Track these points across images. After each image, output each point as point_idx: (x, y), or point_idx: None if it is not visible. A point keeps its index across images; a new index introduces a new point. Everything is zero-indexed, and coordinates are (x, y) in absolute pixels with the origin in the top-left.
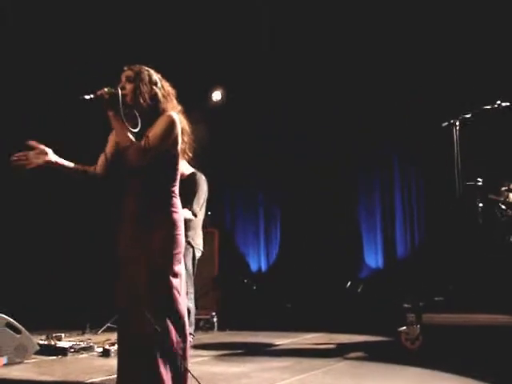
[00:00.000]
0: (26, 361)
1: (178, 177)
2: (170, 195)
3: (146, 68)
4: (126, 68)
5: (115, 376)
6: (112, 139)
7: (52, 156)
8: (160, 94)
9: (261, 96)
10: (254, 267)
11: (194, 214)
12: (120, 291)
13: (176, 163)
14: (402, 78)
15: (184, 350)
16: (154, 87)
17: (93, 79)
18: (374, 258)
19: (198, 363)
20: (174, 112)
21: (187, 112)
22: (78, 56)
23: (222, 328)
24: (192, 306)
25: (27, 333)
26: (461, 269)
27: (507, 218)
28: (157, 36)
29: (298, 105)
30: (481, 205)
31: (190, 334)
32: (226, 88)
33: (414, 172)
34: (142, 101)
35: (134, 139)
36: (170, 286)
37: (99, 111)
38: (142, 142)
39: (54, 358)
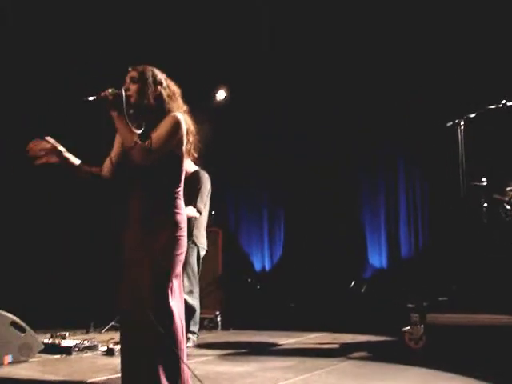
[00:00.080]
0: (30, 359)
1: (183, 178)
2: (173, 196)
3: (151, 68)
4: (130, 69)
5: (119, 375)
6: (118, 142)
7: (66, 154)
8: (165, 94)
9: (261, 96)
10: (257, 267)
11: (199, 211)
12: (123, 293)
13: (180, 164)
14: (406, 78)
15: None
16: (159, 87)
17: (97, 80)
18: (377, 258)
19: (203, 362)
20: (180, 112)
21: (192, 112)
22: (81, 57)
23: (225, 327)
24: (197, 304)
25: (32, 331)
26: (464, 269)
27: None
28: (156, 36)
29: (298, 105)
30: (485, 205)
31: (194, 333)
32: (226, 88)
33: (419, 173)
34: (146, 101)
35: (138, 140)
36: (171, 288)
37: (103, 112)
38: (146, 143)
39: (59, 356)
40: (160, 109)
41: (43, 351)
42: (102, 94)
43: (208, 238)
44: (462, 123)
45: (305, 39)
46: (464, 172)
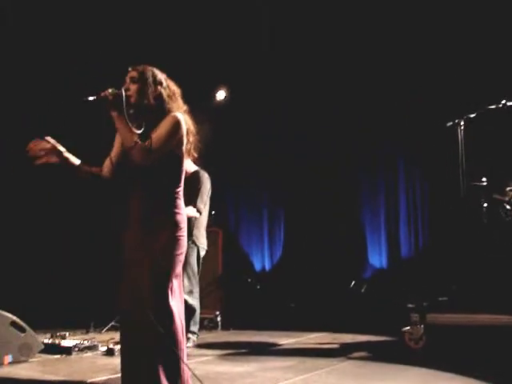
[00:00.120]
0: (30, 359)
1: (183, 178)
2: (173, 196)
3: (151, 68)
4: (130, 69)
5: (119, 375)
6: (118, 142)
7: (66, 154)
8: (165, 94)
9: (261, 96)
10: (257, 267)
11: (199, 211)
12: (123, 293)
13: (180, 164)
14: (406, 78)
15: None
16: (159, 87)
17: (97, 80)
18: (377, 258)
19: (203, 362)
20: (180, 112)
21: (192, 112)
22: (81, 57)
23: (225, 327)
24: (197, 304)
25: (32, 331)
26: (464, 269)
27: None
28: (156, 36)
29: (298, 105)
30: (485, 205)
31: (194, 332)
32: (226, 88)
33: (419, 173)
34: (146, 101)
35: (138, 140)
36: (171, 288)
37: (103, 112)
38: (146, 143)
39: (59, 356)
40: (160, 109)
41: (43, 351)
42: (102, 94)
43: (208, 237)
44: (462, 123)
45: (305, 39)
46: (464, 172)
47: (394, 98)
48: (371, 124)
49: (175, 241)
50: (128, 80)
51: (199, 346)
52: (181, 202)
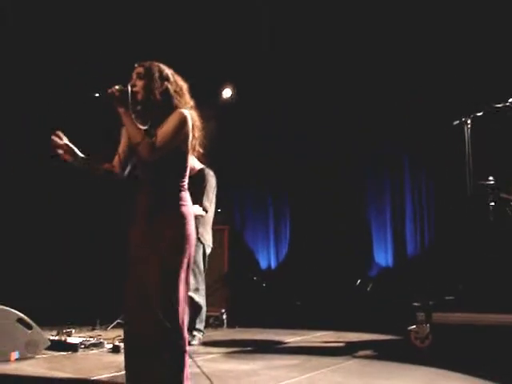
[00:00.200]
0: (36, 356)
1: (188, 172)
2: (178, 189)
3: (157, 64)
4: (136, 65)
5: (124, 372)
6: (124, 138)
7: (77, 152)
8: (171, 90)
9: (263, 96)
10: (263, 265)
11: (205, 210)
12: (128, 290)
13: (186, 159)
14: (413, 77)
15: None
16: (166, 82)
17: (103, 78)
18: (383, 257)
19: (208, 360)
20: (186, 108)
21: (198, 108)
22: (83, 56)
23: (231, 325)
24: (203, 302)
25: (38, 328)
26: (471, 268)
27: None
28: (156, 36)
29: (306, 104)
30: (492, 204)
31: (200, 330)
32: (231, 86)
33: (425, 171)
34: (153, 97)
35: (145, 135)
36: (179, 283)
37: (110, 109)
38: (154, 139)
39: (65, 353)
40: (167, 104)
41: (49, 348)
42: (109, 91)
43: (214, 235)
44: (469, 122)
45: (305, 39)
46: (471, 171)
47: (399, 97)
48: (378, 123)
49: (183, 233)
50: (134, 76)
51: (205, 343)
52: (186, 194)
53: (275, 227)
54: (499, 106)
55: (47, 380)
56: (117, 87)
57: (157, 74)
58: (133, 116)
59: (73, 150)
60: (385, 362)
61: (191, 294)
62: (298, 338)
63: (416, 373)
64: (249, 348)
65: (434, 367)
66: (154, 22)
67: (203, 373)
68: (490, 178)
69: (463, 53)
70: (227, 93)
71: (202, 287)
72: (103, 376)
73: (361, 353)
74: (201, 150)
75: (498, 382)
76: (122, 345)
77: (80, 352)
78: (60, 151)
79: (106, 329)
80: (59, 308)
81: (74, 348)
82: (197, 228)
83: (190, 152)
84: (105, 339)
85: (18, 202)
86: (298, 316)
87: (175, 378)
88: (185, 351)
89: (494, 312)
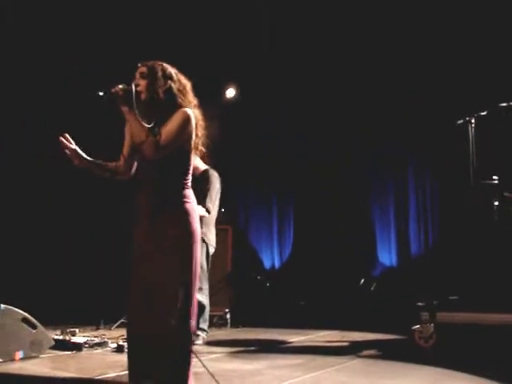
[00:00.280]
0: (41, 355)
1: (191, 170)
2: (182, 187)
3: (160, 63)
4: (139, 64)
5: (128, 372)
6: (128, 137)
7: (82, 154)
8: (175, 88)
9: (261, 96)
10: (267, 264)
11: (208, 211)
12: (132, 290)
13: (189, 158)
14: (416, 76)
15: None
16: (169, 81)
17: (107, 78)
18: (387, 256)
19: (212, 360)
20: (190, 106)
21: (201, 107)
22: (84, 56)
23: (235, 325)
24: (206, 302)
25: (43, 328)
26: (475, 267)
27: None
28: (156, 36)
29: (312, 104)
30: (496, 203)
31: (204, 330)
32: (235, 86)
33: (429, 171)
34: (156, 96)
35: (149, 134)
36: (184, 282)
37: (114, 108)
38: (157, 137)
39: (69, 353)
40: (170, 103)
41: (54, 347)
42: (113, 90)
43: (217, 235)
44: (473, 121)
45: (305, 39)
46: (475, 170)
47: (404, 96)
48: (382, 123)
49: (187, 232)
50: (138, 75)
51: (209, 343)
52: (190, 192)
53: (279, 227)
54: (503, 105)
55: (51, 379)
56: (120, 86)
57: (160, 73)
58: (137, 114)
59: (79, 153)
60: (389, 361)
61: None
62: (302, 338)
63: (421, 372)
64: (253, 347)
65: (439, 367)
66: (157, 21)
67: (209, 373)
68: (494, 177)
69: (467, 52)
70: (231, 92)
71: (206, 287)
72: (107, 375)
73: (365, 352)
74: (204, 150)
75: (504, 382)
76: (126, 344)
77: (84, 351)
78: (67, 152)
79: (110, 328)
80: (64, 307)
81: (78, 347)
82: (200, 228)
83: (193, 151)
84: (109, 339)
85: (18, 202)
86: (302, 315)
87: (179, 377)
88: (190, 351)
89: (499, 311)
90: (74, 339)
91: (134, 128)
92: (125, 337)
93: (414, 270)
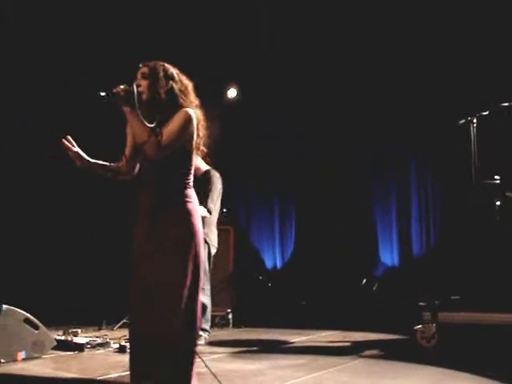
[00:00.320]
0: (43, 356)
1: (192, 170)
2: (184, 187)
3: (162, 63)
4: (141, 65)
5: (130, 372)
6: (129, 138)
7: (84, 155)
8: (176, 89)
9: (261, 96)
10: (269, 264)
11: (209, 212)
12: (133, 290)
13: (190, 158)
14: (418, 76)
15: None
16: (171, 82)
17: (108, 78)
18: (389, 256)
19: (214, 360)
20: (191, 107)
21: (203, 108)
22: (85, 56)
23: (237, 325)
24: (208, 302)
25: (45, 328)
26: (477, 267)
27: None
28: (156, 36)
29: (310, 104)
30: (498, 203)
31: (206, 330)
32: (236, 86)
33: (431, 171)
34: (158, 96)
35: (150, 134)
36: (186, 282)
37: (115, 108)
38: (159, 138)
39: (71, 353)
40: (172, 103)
41: (56, 348)
42: (114, 91)
43: (219, 235)
44: (475, 121)
45: (305, 39)
46: (476, 170)
47: (404, 97)
48: (383, 123)
49: (189, 231)
50: (139, 76)
51: (211, 343)
52: (192, 191)
53: (281, 227)
54: (505, 105)
55: (53, 380)
56: (122, 87)
57: (161, 74)
58: (139, 114)
59: (81, 155)
60: (391, 361)
61: None
62: (304, 338)
63: (423, 372)
64: (255, 348)
65: (441, 367)
66: (158, 22)
67: (212, 373)
68: (496, 177)
69: (469, 52)
70: (232, 93)
71: (208, 287)
72: (109, 376)
73: (367, 352)
74: (205, 150)
75: (506, 382)
76: (128, 345)
77: (86, 352)
78: (70, 153)
79: (112, 329)
80: (66, 308)
81: (80, 348)
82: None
83: (195, 151)
84: (111, 339)
85: (19, 202)
86: (304, 316)
87: (181, 378)
88: (193, 351)
89: (500, 311)
90: (76, 340)
91: (136, 128)
92: (127, 337)
93: (415, 270)
